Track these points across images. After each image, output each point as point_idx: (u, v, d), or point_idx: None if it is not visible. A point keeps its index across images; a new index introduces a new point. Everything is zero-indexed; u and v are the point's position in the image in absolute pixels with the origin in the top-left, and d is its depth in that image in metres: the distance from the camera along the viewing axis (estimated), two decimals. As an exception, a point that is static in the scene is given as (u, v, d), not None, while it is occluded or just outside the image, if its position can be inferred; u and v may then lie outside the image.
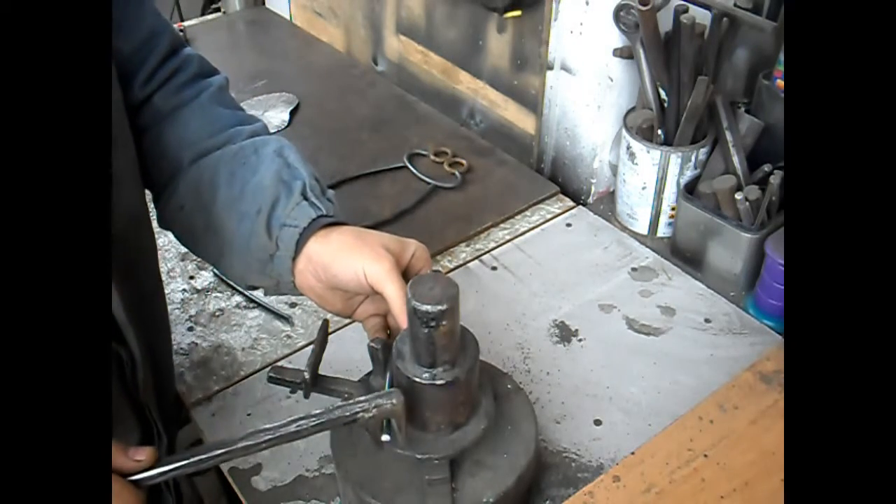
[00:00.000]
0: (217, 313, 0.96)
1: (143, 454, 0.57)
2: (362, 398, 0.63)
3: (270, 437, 0.60)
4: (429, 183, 1.14)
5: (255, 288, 0.74)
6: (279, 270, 0.69)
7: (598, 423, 0.81)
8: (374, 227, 1.06)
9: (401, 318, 0.65)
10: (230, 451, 0.60)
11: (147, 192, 0.75)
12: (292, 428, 0.61)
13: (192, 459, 0.59)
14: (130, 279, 0.65)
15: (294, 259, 0.68)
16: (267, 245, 0.69)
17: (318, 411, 0.62)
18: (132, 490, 0.56)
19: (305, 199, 0.69)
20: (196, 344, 0.92)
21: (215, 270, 1.01)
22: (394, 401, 0.62)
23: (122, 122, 0.66)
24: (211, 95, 0.75)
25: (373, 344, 0.69)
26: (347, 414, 0.62)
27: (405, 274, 0.68)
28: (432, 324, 0.60)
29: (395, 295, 0.65)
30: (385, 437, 0.64)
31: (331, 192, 0.73)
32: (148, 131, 0.72)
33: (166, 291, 0.98)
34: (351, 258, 0.66)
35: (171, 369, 0.83)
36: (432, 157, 1.20)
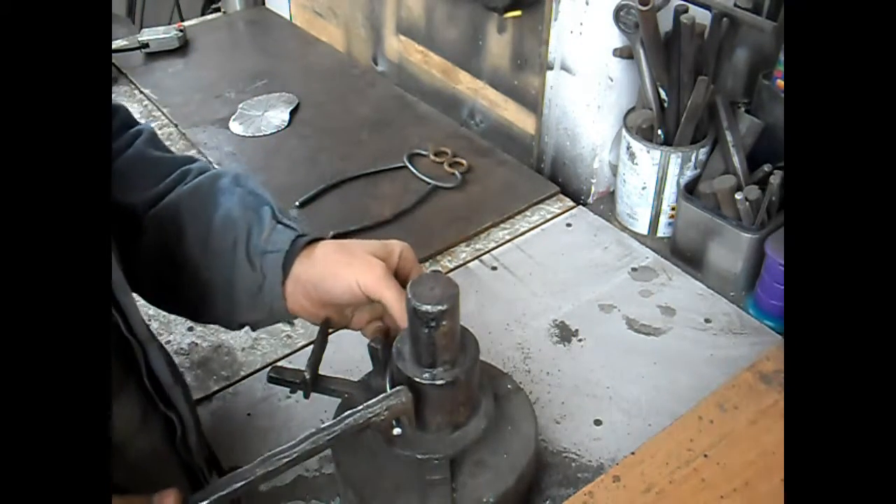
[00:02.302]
0: (217, 313, 0.96)
1: (170, 502, 0.55)
2: (372, 402, 0.62)
3: (288, 459, 0.59)
4: (429, 183, 1.14)
5: (243, 326, 0.73)
6: (270, 299, 0.68)
7: (598, 423, 0.81)
8: (374, 227, 1.07)
9: (403, 322, 0.64)
10: (250, 482, 0.59)
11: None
12: (308, 446, 0.60)
13: (213, 497, 0.57)
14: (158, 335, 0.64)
15: (283, 284, 0.67)
16: (253, 277, 0.67)
17: (329, 423, 0.61)
18: None
19: (279, 222, 0.68)
20: (196, 344, 0.92)
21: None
22: (403, 399, 0.62)
23: None
24: (145, 142, 0.72)
25: (373, 344, 0.69)
26: (361, 421, 0.61)
27: (395, 276, 0.67)
28: (432, 324, 0.60)
29: (393, 299, 0.64)
30: (396, 431, 0.64)
31: (293, 212, 0.71)
32: None
33: (166, 291, 0.99)
34: (341, 272, 0.66)
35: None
36: (432, 157, 1.20)
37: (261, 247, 0.67)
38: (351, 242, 0.69)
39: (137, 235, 0.68)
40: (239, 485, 0.58)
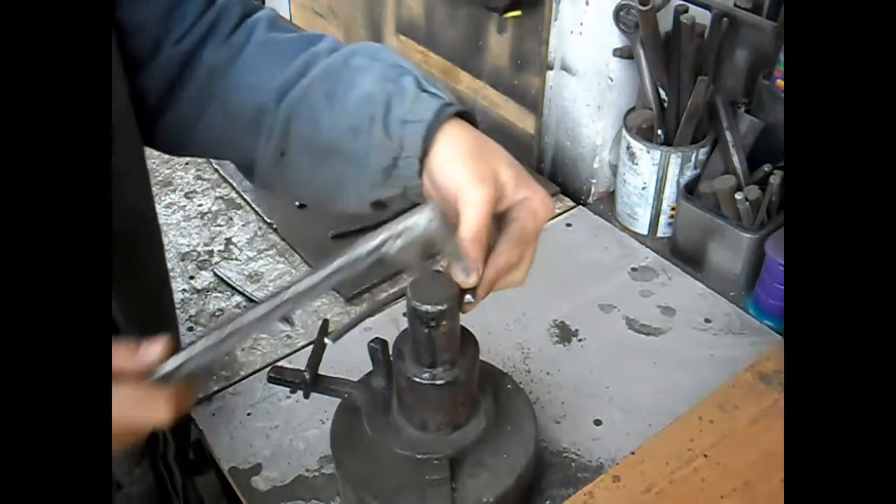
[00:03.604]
0: (217, 313, 0.96)
1: (154, 352, 0.51)
2: (384, 229, 0.51)
3: (280, 301, 0.51)
4: (429, 183, 1.14)
5: (380, 204, 0.64)
6: (405, 174, 0.60)
7: (598, 423, 0.81)
8: (375, 226, 1.05)
9: (466, 246, 0.55)
10: (241, 330, 0.52)
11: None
12: (304, 286, 0.52)
13: (205, 346, 0.51)
14: (135, 279, 0.62)
15: (422, 159, 0.59)
16: (389, 148, 0.59)
17: (329, 263, 0.52)
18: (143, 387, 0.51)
19: (423, 90, 0.60)
20: (196, 344, 0.92)
21: (216, 271, 1.01)
22: (428, 215, 0.51)
23: (126, 114, 0.61)
24: (266, 28, 0.66)
25: (373, 344, 0.69)
26: (366, 252, 0.51)
27: (503, 216, 0.58)
28: (432, 324, 0.60)
29: (467, 224, 0.55)
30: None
31: (442, 86, 0.63)
32: (215, 95, 0.64)
33: (166, 291, 0.99)
34: (457, 169, 0.57)
35: None
36: (432, 156, 1.19)
37: (401, 116, 0.59)
38: (491, 146, 0.60)
39: (268, 133, 0.63)
40: (228, 332, 0.52)
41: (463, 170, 0.56)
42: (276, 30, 0.67)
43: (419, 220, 0.51)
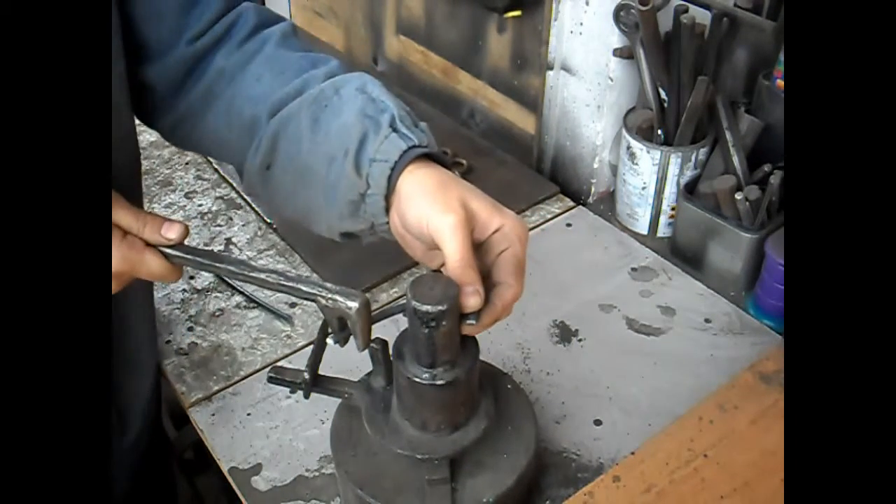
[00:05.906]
0: (217, 313, 0.96)
1: (175, 232, 0.61)
2: (331, 285, 0.61)
3: (253, 275, 0.63)
4: (429, 183, 1.14)
5: (350, 236, 0.68)
6: (372, 211, 0.63)
7: (598, 423, 0.81)
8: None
9: (459, 275, 0.59)
10: (220, 266, 0.63)
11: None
12: (266, 277, 0.63)
13: (204, 258, 0.63)
14: None
15: (387, 197, 0.62)
16: (356, 184, 0.63)
17: (288, 272, 0.63)
18: (161, 258, 0.62)
19: (395, 130, 0.63)
20: (196, 344, 0.92)
21: (216, 271, 1.01)
22: (349, 304, 0.60)
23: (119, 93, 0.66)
24: (276, 44, 0.70)
25: (373, 344, 0.69)
26: (310, 290, 0.61)
27: (484, 245, 0.61)
28: (432, 324, 0.60)
29: (451, 253, 0.58)
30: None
31: (424, 125, 0.66)
32: (219, 97, 0.69)
33: (165, 291, 0.99)
34: (422, 203, 0.60)
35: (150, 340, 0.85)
36: (432, 157, 1.20)
37: (370, 154, 0.62)
38: (457, 181, 0.63)
39: (258, 143, 0.67)
40: (232, 268, 0.63)
41: (428, 204, 0.60)
42: (287, 46, 0.71)
43: (345, 302, 0.60)
